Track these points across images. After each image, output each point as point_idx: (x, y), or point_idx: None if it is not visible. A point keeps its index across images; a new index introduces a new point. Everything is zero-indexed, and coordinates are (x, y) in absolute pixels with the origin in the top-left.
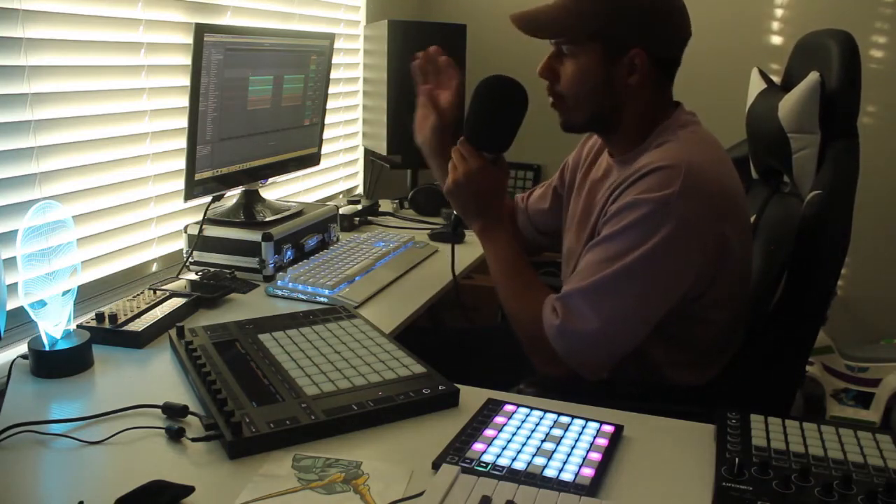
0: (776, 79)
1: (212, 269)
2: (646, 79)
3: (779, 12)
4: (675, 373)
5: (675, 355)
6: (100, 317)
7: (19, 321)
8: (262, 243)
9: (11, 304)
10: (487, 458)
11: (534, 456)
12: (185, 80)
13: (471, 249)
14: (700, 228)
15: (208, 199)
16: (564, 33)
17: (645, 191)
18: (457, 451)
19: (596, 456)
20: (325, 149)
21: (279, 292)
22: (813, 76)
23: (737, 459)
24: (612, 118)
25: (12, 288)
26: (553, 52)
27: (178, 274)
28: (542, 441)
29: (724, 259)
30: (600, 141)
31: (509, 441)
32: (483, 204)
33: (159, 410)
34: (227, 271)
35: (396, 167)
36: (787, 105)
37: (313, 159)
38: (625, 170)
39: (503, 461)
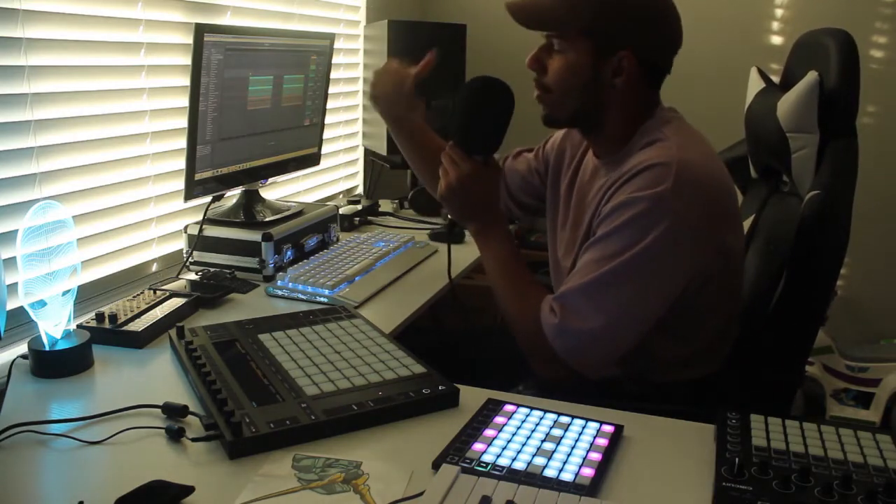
0: (775, 78)
1: (212, 269)
2: (631, 82)
3: (779, 12)
4: (676, 369)
5: (675, 351)
6: (100, 317)
7: (19, 321)
8: (262, 243)
9: (11, 304)
10: (487, 458)
11: (534, 456)
12: (185, 80)
13: (471, 249)
14: (695, 223)
15: (208, 199)
16: (557, 26)
17: (638, 189)
18: (457, 451)
19: (596, 456)
20: (325, 149)
21: (279, 292)
22: (811, 75)
23: (737, 459)
24: (594, 118)
25: (12, 288)
26: (543, 44)
27: (178, 274)
28: (542, 441)
29: (723, 253)
30: (584, 143)
31: (509, 441)
32: (478, 206)
33: (159, 410)
34: (227, 271)
35: (396, 167)
36: (786, 104)
37: (313, 159)
38: (614, 170)
39: (503, 461)
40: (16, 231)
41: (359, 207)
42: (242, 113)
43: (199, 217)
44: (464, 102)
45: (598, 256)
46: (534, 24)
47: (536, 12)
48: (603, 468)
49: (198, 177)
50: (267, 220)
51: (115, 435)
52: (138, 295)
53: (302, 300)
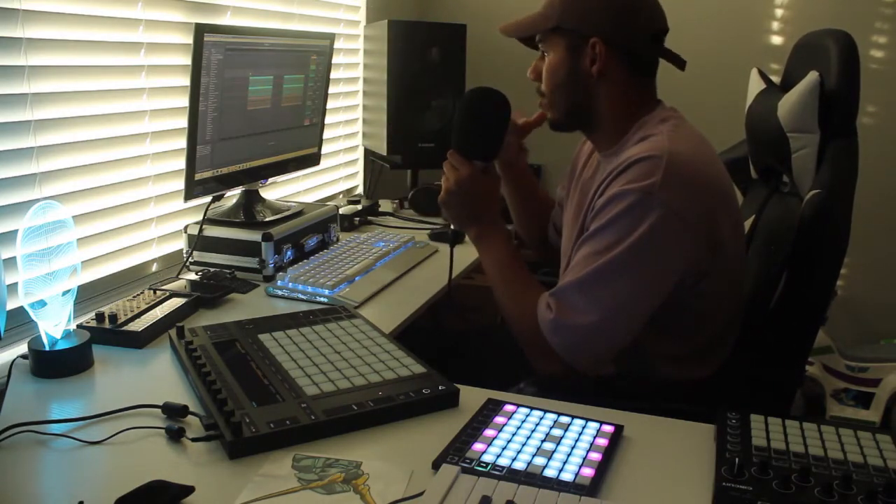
0: (776, 79)
1: (212, 269)
2: (609, 69)
3: (779, 12)
4: (676, 368)
5: (674, 350)
6: (100, 317)
7: (19, 321)
8: (262, 243)
9: (11, 304)
10: (487, 458)
11: (534, 456)
12: (185, 80)
13: (471, 249)
14: (686, 216)
15: (208, 199)
16: (535, 29)
17: (628, 182)
18: (457, 451)
19: (596, 456)
20: (325, 149)
21: (279, 292)
22: (812, 76)
23: (737, 459)
24: (586, 112)
25: (12, 288)
26: (539, 55)
27: (178, 274)
28: (542, 441)
29: (717, 248)
30: (591, 146)
31: (509, 441)
32: (477, 210)
33: (159, 410)
34: (227, 271)
35: (396, 167)
36: (787, 104)
37: (313, 159)
38: (609, 164)
39: (503, 461)
40: (16, 231)
41: (359, 207)
42: (242, 113)
43: (199, 217)
44: (464, 110)
45: (591, 251)
46: (514, 33)
47: (520, 24)
48: (603, 468)
49: (198, 177)
50: (267, 220)
51: (115, 435)
52: (138, 295)
53: (302, 300)
